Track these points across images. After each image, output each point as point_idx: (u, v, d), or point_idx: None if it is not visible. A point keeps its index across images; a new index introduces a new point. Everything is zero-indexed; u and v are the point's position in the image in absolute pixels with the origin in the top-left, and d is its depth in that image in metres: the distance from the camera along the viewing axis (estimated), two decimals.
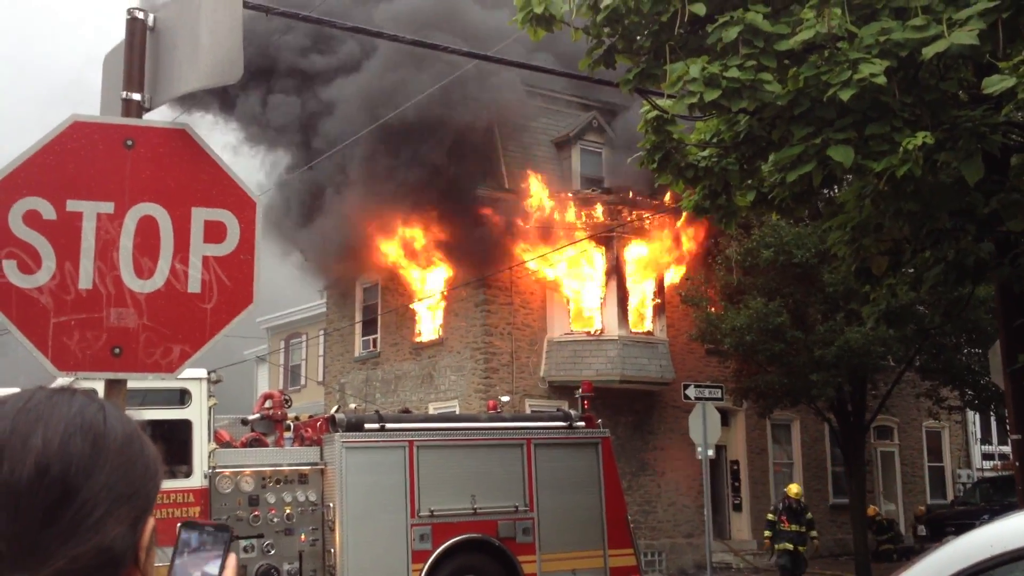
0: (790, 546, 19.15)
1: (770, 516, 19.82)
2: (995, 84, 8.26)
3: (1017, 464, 12.40)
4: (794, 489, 19.79)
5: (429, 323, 27.02)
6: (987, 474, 33.36)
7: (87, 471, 1.25)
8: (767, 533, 19.79)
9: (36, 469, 1.22)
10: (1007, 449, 29.94)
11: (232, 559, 1.58)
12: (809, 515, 19.73)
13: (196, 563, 1.57)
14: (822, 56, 8.83)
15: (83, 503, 1.23)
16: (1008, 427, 13.01)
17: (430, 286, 26.37)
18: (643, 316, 26.12)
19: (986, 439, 37.08)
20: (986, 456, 36.73)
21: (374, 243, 25.84)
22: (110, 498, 1.26)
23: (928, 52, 8.15)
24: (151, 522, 1.34)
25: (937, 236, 11.26)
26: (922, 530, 26.57)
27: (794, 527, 19.24)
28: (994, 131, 8.95)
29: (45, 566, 1.20)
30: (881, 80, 8.27)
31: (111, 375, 3.49)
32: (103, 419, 1.32)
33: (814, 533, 19.89)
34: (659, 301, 26.20)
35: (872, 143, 8.88)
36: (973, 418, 34.62)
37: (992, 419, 33.98)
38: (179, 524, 1.60)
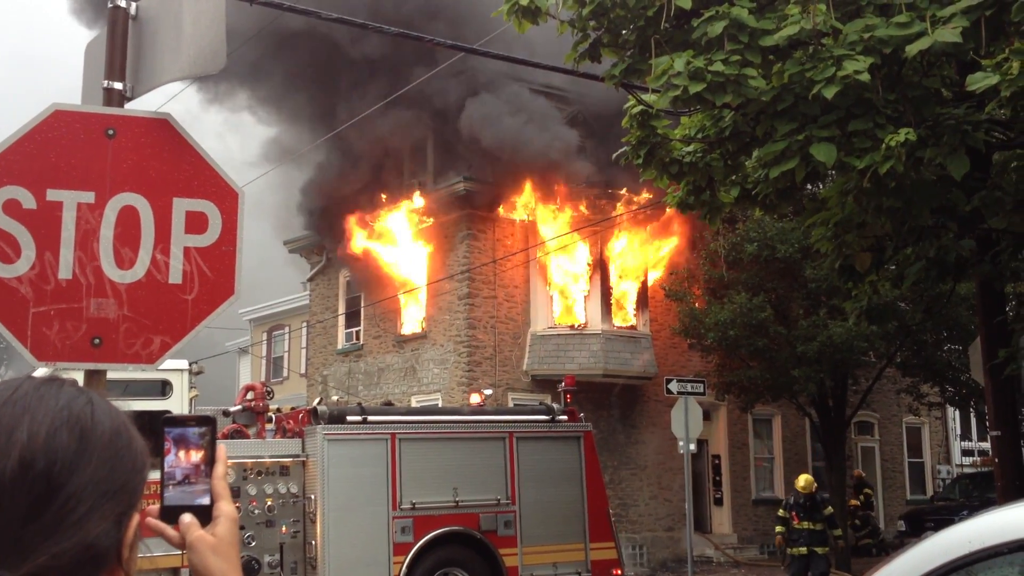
0: (803, 549, 17.21)
1: (781, 512, 18.22)
2: (978, 82, 8.30)
3: (996, 460, 12.48)
4: (801, 481, 17.79)
5: (413, 315, 27.00)
6: (967, 470, 33.58)
7: (72, 466, 1.23)
8: (778, 529, 18.07)
9: (20, 464, 1.20)
10: (986, 445, 30.12)
11: (222, 449, 1.58)
12: (829, 510, 17.67)
13: (188, 495, 1.57)
14: (806, 52, 8.85)
15: (67, 499, 1.21)
16: (988, 423, 13.09)
17: (412, 270, 26.35)
18: (626, 310, 26.16)
19: (966, 435, 37.32)
20: (966, 452, 36.97)
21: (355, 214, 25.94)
22: (95, 494, 1.24)
23: (912, 49, 8.18)
24: (136, 518, 1.32)
25: (919, 233, 11.31)
26: (901, 525, 26.72)
27: (807, 525, 17.28)
28: (977, 128, 8.99)
29: (26, 562, 1.18)
30: (865, 77, 8.30)
31: (91, 366, 3.46)
32: (91, 412, 1.29)
33: (838, 532, 17.78)
34: (643, 294, 26.25)
35: (855, 140, 8.91)
36: (953, 414, 34.85)
37: (972, 415, 34.20)
38: (163, 420, 1.60)
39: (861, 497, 27.69)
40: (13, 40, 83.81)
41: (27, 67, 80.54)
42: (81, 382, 2.54)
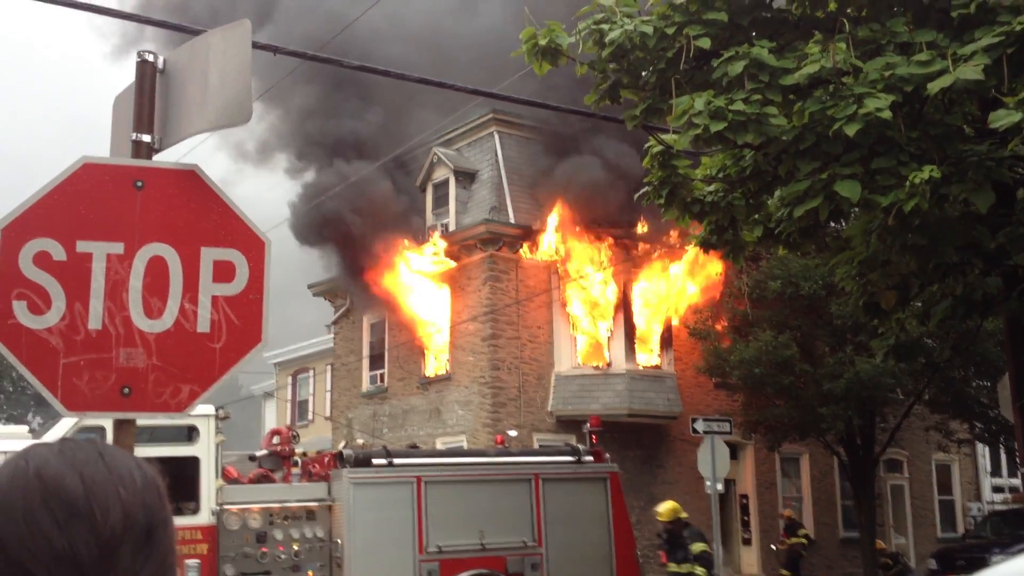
0: None
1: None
2: (1001, 119, 8.29)
3: None
4: (659, 508, 14.80)
5: (437, 357, 26.99)
6: (997, 507, 33.10)
7: (162, 520, 1.32)
8: None
9: (124, 517, 1.28)
10: (1017, 482, 29.67)
11: None
12: (697, 547, 13.99)
13: None
14: (827, 91, 8.87)
15: (165, 552, 1.31)
16: (1018, 460, 12.91)
17: (436, 312, 26.38)
18: (651, 349, 26.07)
19: (996, 472, 36.84)
20: (996, 489, 36.47)
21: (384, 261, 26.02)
22: (173, 543, 1.34)
23: (934, 87, 8.19)
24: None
25: (944, 270, 11.24)
26: (932, 563, 26.29)
27: (672, 567, 14.18)
28: (1000, 165, 8.96)
29: None
30: (887, 115, 8.30)
31: (121, 415, 3.49)
32: (140, 465, 1.37)
33: (700, 571, 13.77)
34: (667, 333, 26.16)
35: (879, 177, 8.89)
36: (983, 451, 34.43)
37: (1002, 452, 33.77)
38: None
39: (803, 539, 23.96)
40: (67, 105, 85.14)
41: (74, 128, 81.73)
42: (110, 431, 2.55)
